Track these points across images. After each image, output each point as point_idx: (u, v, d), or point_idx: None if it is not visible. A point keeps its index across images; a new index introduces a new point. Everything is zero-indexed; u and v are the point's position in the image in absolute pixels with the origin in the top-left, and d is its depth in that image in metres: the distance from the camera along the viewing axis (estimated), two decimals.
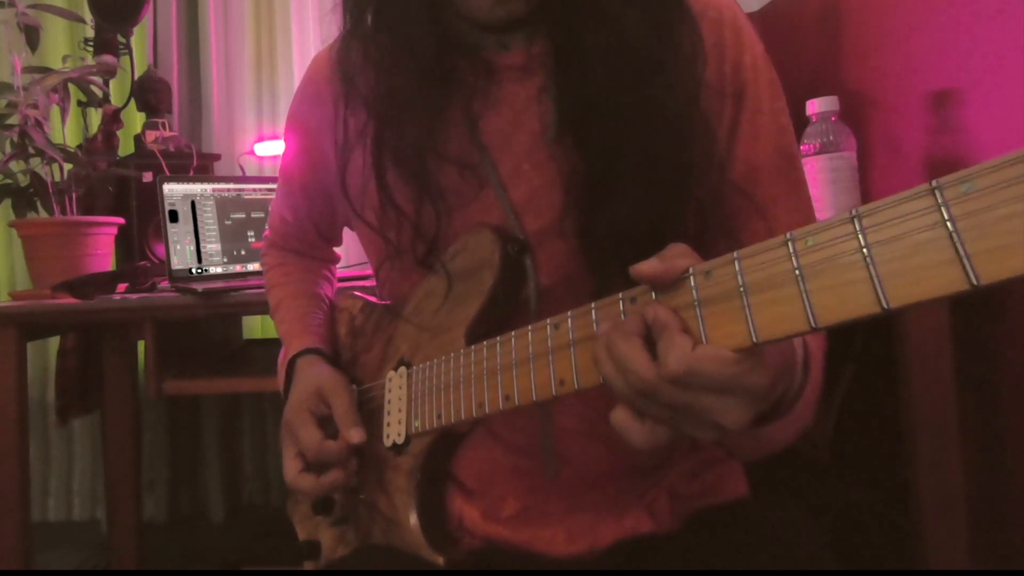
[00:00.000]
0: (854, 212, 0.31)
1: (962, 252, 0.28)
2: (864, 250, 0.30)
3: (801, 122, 1.10)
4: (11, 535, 1.11)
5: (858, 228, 0.31)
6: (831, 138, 1.10)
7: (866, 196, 1.12)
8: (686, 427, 0.38)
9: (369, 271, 0.70)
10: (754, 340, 0.34)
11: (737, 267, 0.35)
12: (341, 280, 0.83)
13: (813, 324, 0.32)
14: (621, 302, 0.40)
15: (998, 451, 0.97)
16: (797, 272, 0.33)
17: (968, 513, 0.96)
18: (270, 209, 0.81)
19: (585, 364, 0.41)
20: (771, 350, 0.37)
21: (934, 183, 0.29)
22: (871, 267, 0.30)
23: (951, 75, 1.00)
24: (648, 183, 0.50)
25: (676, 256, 0.39)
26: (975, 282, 0.27)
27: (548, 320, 0.44)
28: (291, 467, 0.60)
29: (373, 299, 0.70)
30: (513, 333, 0.46)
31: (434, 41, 0.55)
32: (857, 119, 1.16)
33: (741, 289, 0.35)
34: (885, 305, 0.30)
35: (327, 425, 0.60)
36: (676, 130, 0.51)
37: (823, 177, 1.09)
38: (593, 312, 0.41)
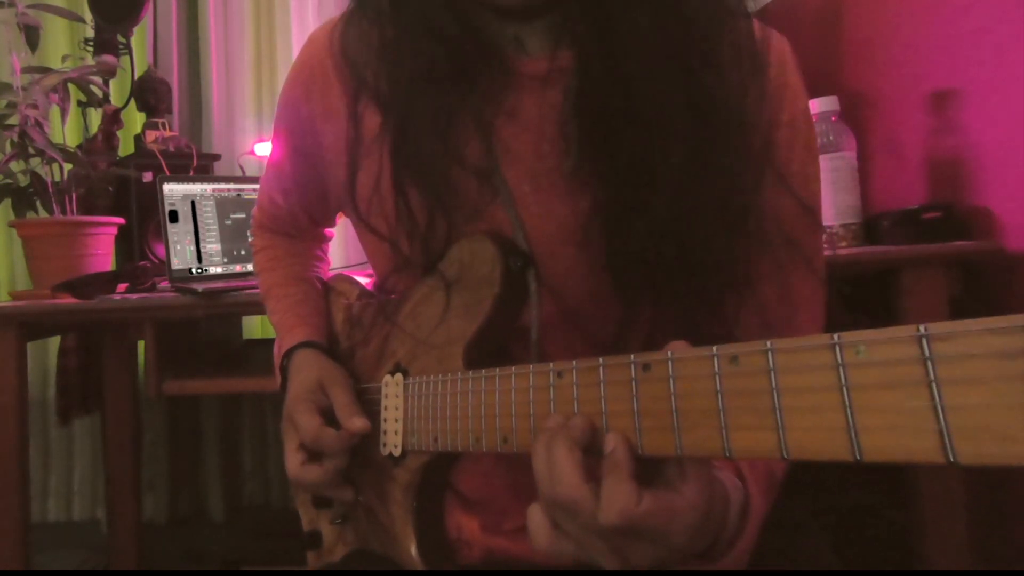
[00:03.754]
0: (922, 331, 0.25)
1: None
2: (932, 386, 0.25)
3: None
4: (11, 535, 1.11)
5: (926, 354, 0.25)
6: (831, 138, 1.10)
7: (866, 196, 1.12)
8: (596, 551, 0.37)
9: (370, 271, 0.68)
10: (784, 455, 0.29)
11: (770, 361, 0.30)
12: None
13: (858, 456, 0.27)
14: (632, 367, 0.36)
15: None
16: (844, 388, 0.27)
17: (968, 513, 0.96)
18: (259, 188, 0.77)
19: None
20: (695, 513, 0.36)
21: None
22: (940, 414, 0.24)
23: (951, 75, 1.00)
24: (686, 205, 0.47)
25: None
26: None
27: (551, 365, 0.41)
28: (293, 460, 0.58)
29: (370, 285, 0.69)
30: (513, 370, 0.44)
31: (454, 22, 0.51)
32: (857, 119, 1.16)
33: (773, 390, 0.30)
34: (952, 459, 0.24)
35: (328, 416, 0.59)
36: (719, 151, 0.47)
37: (823, 177, 1.09)
38: (600, 370, 0.38)
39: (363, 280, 0.72)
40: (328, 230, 0.81)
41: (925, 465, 0.25)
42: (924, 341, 0.25)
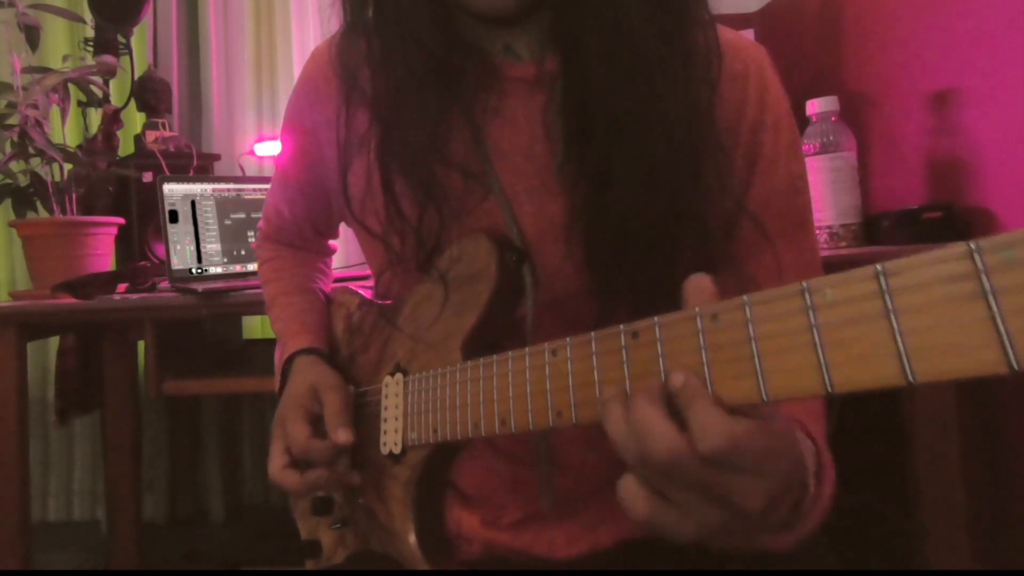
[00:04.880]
0: (879, 268, 0.28)
1: (1003, 332, 0.24)
2: (891, 315, 0.27)
3: (801, 122, 1.10)
4: (11, 535, 1.11)
5: (884, 287, 0.28)
6: (831, 138, 1.10)
7: (866, 196, 1.12)
8: (702, 508, 0.34)
9: (368, 271, 0.69)
10: (764, 398, 0.31)
11: (748, 313, 0.32)
12: (340, 280, 0.83)
13: (829, 388, 0.29)
14: (623, 335, 0.37)
15: (998, 451, 0.97)
16: (814, 328, 0.30)
17: (968, 513, 0.96)
18: (265, 200, 0.79)
19: (584, 398, 0.39)
20: (789, 438, 0.35)
21: (972, 245, 0.25)
22: (898, 336, 0.27)
23: (951, 75, 1.00)
24: (647, 203, 0.49)
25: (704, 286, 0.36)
26: (1015, 366, 0.24)
27: (546, 345, 0.42)
28: (276, 462, 0.59)
29: (370, 294, 0.70)
30: (510, 354, 0.45)
31: (440, 34, 0.53)
32: (857, 119, 1.16)
33: (751, 339, 0.32)
34: (911, 379, 0.27)
35: (319, 424, 0.60)
36: (690, 158, 0.49)
37: (823, 177, 1.10)
38: (593, 343, 0.39)
39: (363, 292, 0.73)
40: (332, 243, 0.83)
41: (888, 389, 0.27)
42: (881, 277, 0.28)
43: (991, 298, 0.25)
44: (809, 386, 0.30)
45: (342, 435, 0.57)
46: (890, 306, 0.27)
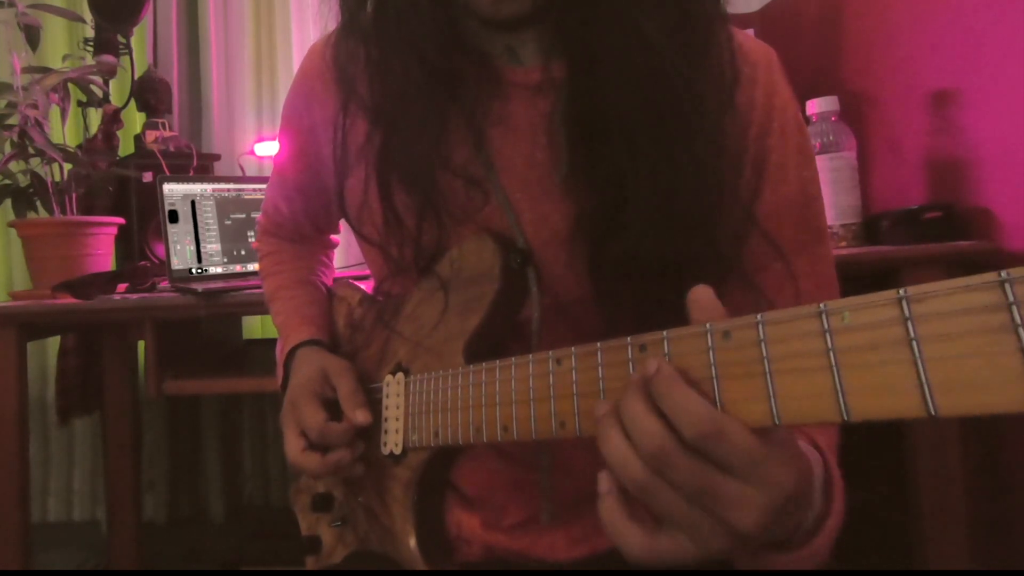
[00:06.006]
0: (902, 293, 0.26)
1: None
2: (913, 344, 0.26)
3: None
4: (11, 535, 1.11)
5: (906, 314, 0.26)
6: (831, 138, 1.10)
7: (866, 196, 1.12)
8: (696, 521, 0.33)
9: (369, 271, 0.69)
10: (776, 421, 0.30)
11: (761, 332, 0.31)
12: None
13: (845, 416, 0.28)
14: (629, 348, 0.36)
15: (998, 451, 0.97)
16: (830, 352, 0.28)
17: (968, 513, 0.96)
18: (265, 195, 0.79)
19: (588, 409, 0.38)
20: (792, 448, 0.33)
21: (1003, 275, 0.24)
22: (920, 366, 0.26)
23: (951, 75, 1.00)
24: (663, 216, 0.47)
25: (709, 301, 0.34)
26: None
27: (550, 353, 0.41)
28: (294, 445, 0.58)
29: (371, 289, 0.70)
30: (513, 360, 0.44)
31: (441, 37, 0.51)
32: (857, 119, 1.16)
33: (764, 359, 0.30)
34: (933, 412, 0.25)
35: (332, 408, 0.59)
36: (698, 165, 0.47)
37: (823, 177, 1.09)
38: (599, 354, 0.38)
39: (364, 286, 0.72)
40: (333, 237, 0.82)
41: (909, 420, 0.26)
42: (904, 303, 0.26)
43: (1022, 331, 0.24)
44: (824, 412, 0.28)
45: (360, 415, 0.56)
46: (912, 334, 0.26)
